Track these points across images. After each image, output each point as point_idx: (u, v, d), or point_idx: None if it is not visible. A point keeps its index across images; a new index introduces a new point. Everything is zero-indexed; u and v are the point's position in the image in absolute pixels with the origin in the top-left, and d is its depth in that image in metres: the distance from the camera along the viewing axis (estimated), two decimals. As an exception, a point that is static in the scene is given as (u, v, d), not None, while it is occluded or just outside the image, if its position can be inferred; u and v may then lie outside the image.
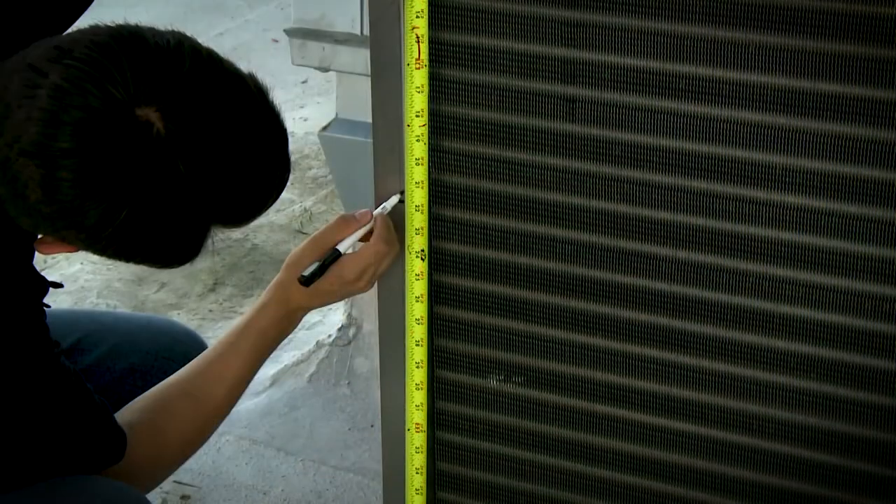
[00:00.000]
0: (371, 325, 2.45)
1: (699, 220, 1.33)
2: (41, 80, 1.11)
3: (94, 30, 1.16)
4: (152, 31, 1.16)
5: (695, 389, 1.41)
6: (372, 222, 1.43)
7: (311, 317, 2.80)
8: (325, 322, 2.73)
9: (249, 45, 4.42)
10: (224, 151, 1.17)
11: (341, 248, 1.42)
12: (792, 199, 1.29)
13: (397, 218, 1.43)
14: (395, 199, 1.43)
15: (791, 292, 1.33)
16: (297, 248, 1.46)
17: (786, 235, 1.31)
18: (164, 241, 1.18)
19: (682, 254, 1.35)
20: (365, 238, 1.44)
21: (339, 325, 2.53)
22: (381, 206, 1.44)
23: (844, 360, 1.34)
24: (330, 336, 2.55)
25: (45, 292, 1.37)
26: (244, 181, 1.20)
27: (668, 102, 1.29)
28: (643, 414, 1.44)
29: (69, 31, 1.21)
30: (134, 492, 1.41)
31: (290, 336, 2.75)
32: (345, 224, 1.43)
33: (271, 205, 1.26)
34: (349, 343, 2.51)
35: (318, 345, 2.55)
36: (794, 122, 1.26)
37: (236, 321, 1.52)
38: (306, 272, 1.41)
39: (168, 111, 1.13)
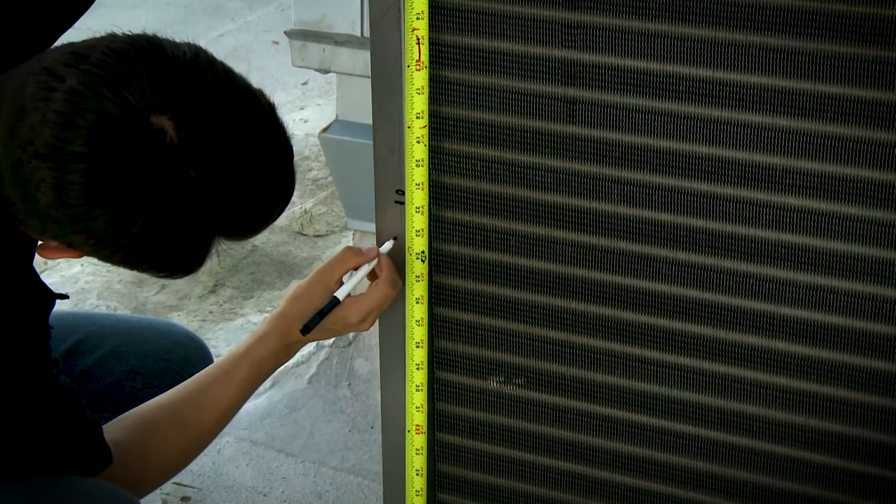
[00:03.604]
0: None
1: (700, 222, 1.33)
2: (57, 84, 1.11)
3: (112, 37, 1.16)
4: (169, 42, 1.17)
5: (695, 391, 1.41)
6: (375, 261, 1.44)
7: (312, 318, 2.80)
8: (326, 323, 2.73)
9: (249, 46, 4.42)
10: (235, 163, 1.17)
11: (342, 292, 1.43)
12: (792, 200, 1.29)
13: (399, 222, 1.43)
14: (389, 245, 1.45)
15: (791, 294, 1.33)
16: (303, 282, 1.47)
17: (786, 237, 1.31)
18: (170, 250, 1.19)
19: (682, 255, 1.35)
20: (370, 276, 1.45)
21: (340, 327, 2.53)
22: (382, 247, 1.45)
23: (844, 361, 1.34)
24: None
25: (52, 306, 1.37)
26: (252, 193, 1.21)
27: (668, 104, 1.29)
28: (643, 415, 1.44)
29: (75, 34, 1.21)
30: (126, 494, 1.41)
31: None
32: (351, 256, 1.44)
33: (275, 219, 1.27)
34: (349, 344, 2.51)
35: (318, 346, 2.54)
36: (794, 124, 1.26)
37: (234, 348, 1.52)
38: (307, 321, 1.42)
39: (182, 120, 1.13)
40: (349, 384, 2.49)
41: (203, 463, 2.21)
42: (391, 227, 1.45)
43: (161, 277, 1.22)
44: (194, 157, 1.14)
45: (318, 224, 3.25)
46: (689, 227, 1.33)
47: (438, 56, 1.35)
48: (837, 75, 1.22)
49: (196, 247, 1.21)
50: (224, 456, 2.25)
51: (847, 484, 1.39)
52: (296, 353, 1.53)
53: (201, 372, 1.54)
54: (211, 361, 1.85)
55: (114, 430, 1.47)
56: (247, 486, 2.17)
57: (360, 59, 2.26)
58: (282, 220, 3.23)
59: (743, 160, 1.29)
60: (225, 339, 2.71)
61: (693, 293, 1.37)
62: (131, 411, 1.52)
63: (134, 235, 1.15)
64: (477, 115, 1.37)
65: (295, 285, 1.49)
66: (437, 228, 1.43)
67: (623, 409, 1.45)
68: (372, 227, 1.49)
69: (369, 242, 2.36)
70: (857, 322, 1.32)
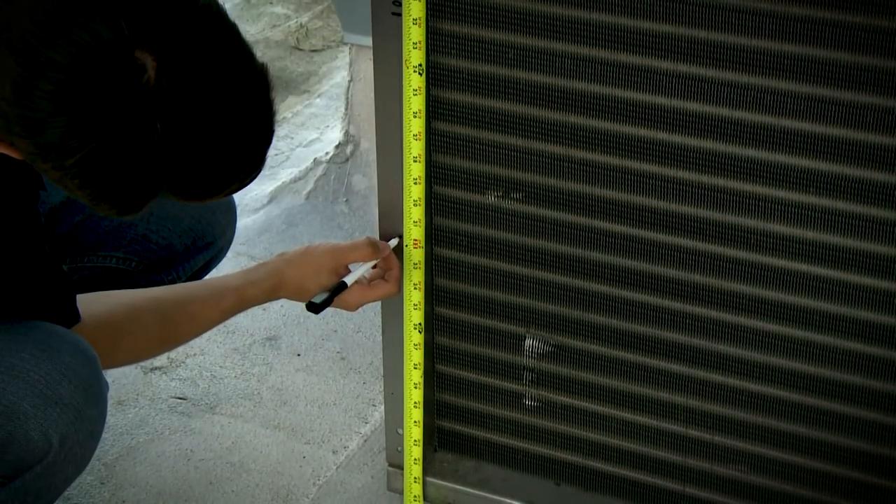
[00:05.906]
0: (369, 143, 2.45)
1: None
2: None
3: None
4: None
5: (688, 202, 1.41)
6: (379, 259, 1.53)
7: (309, 134, 2.79)
8: (323, 139, 2.73)
9: None
10: (204, 131, 1.11)
11: (351, 279, 1.53)
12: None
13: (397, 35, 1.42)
14: (395, 242, 1.54)
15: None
16: (314, 252, 1.56)
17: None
18: (108, 187, 1.13)
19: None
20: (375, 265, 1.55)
21: (337, 143, 2.52)
22: (390, 242, 1.54)
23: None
24: (327, 153, 2.54)
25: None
26: (212, 167, 1.15)
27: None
28: (640, 229, 1.45)
29: None
30: (90, 348, 1.41)
31: (287, 154, 2.75)
32: (369, 250, 1.52)
33: (227, 196, 1.22)
34: (347, 160, 2.51)
35: (316, 162, 2.54)
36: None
37: (228, 277, 1.60)
38: (316, 300, 1.50)
39: (166, 66, 1.07)
40: (347, 200, 2.50)
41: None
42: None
43: (94, 207, 1.15)
44: (165, 108, 1.08)
45: (314, 39, 3.20)
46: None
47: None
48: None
49: (137, 193, 1.14)
50: (223, 271, 2.27)
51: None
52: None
53: (193, 283, 1.64)
54: (234, 210, 1.85)
55: (98, 303, 1.49)
56: (246, 300, 2.20)
57: None
58: (277, 35, 3.18)
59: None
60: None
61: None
62: (120, 291, 1.55)
63: (78, 161, 1.09)
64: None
65: (305, 249, 1.58)
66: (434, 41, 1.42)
67: (623, 224, 1.46)
68: (368, 41, 1.47)
69: (365, 58, 2.34)
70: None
